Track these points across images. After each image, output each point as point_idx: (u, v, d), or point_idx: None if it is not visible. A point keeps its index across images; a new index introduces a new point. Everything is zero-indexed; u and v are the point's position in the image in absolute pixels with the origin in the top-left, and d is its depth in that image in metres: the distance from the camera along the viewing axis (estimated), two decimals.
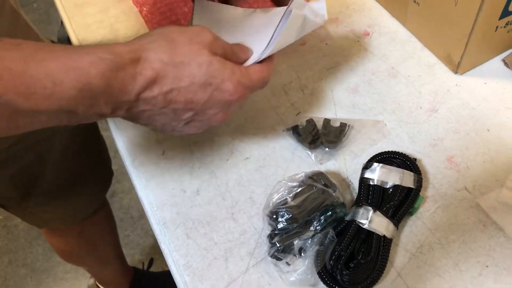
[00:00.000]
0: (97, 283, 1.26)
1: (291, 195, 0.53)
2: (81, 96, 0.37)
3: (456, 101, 0.64)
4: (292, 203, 0.52)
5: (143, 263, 1.37)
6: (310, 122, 0.62)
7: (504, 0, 0.56)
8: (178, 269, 0.54)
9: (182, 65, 0.43)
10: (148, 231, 1.49)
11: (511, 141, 0.60)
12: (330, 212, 0.52)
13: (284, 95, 0.67)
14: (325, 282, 0.50)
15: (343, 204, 0.53)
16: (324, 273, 0.50)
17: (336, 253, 0.50)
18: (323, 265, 0.50)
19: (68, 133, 0.75)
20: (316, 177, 0.54)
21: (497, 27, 0.60)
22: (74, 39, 0.76)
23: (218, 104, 0.46)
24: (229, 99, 0.46)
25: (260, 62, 0.50)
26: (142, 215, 1.53)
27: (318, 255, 0.51)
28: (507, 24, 0.61)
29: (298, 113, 0.65)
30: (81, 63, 0.38)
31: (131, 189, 1.62)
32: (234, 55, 0.49)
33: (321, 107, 0.65)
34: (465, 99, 0.64)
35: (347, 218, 0.53)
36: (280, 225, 0.52)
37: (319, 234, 0.51)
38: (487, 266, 0.52)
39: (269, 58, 0.51)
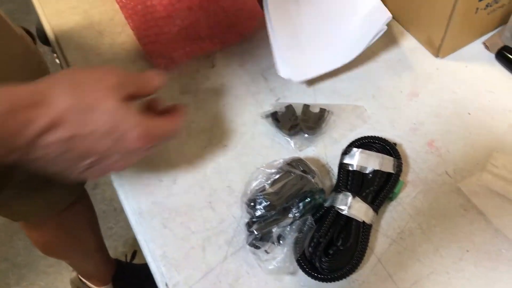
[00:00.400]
0: (79, 276, 1.24)
1: (269, 182, 0.51)
2: None
3: (437, 85, 0.63)
4: (270, 190, 0.51)
5: (126, 255, 1.35)
6: (289, 108, 0.61)
7: None
8: (154, 259, 0.53)
9: (85, 111, 0.41)
10: None
11: (492, 125, 0.59)
12: (309, 199, 0.51)
13: (263, 81, 0.65)
14: (304, 270, 0.49)
15: (322, 190, 0.52)
16: (303, 260, 0.49)
17: (314, 240, 0.49)
18: (302, 252, 0.49)
19: None
20: (295, 164, 0.53)
21: (477, 8, 0.59)
22: (46, 27, 0.73)
23: (120, 152, 0.44)
24: (132, 148, 0.44)
25: (170, 112, 0.50)
26: None
27: (297, 242, 0.50)
28: (487, 6, 0.60)
29: (277, 99, 0.63)
30: None
31: None
32: (145, 87, 0.48)
33: (300, 92, 0.64)
34: (446, 82, 0.63)
35: (326, 204, 0.52)
36: (258, 213, 0.50)
37: (298, 221, 0.50)
38: (467, 251, 0.51)
39: (178, 111, 0.51)
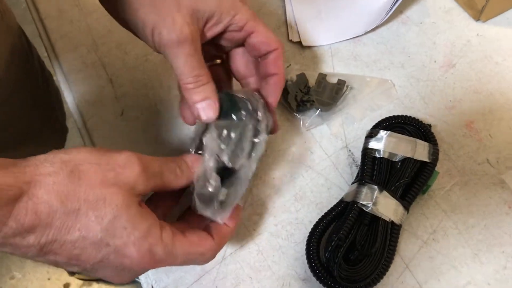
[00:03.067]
0: None
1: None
2: None
3: (477, 54, 0.53)
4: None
5: None
6: (301, 77, 0.51)
7: None
8: None
9: (75, 214, 0.30)
10: None
11: None
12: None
13: None
14: (319, 278, 0.41)
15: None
16: (317, 267, 0.41)
17: (333, 243, 0.40)
18: (317, 257, 0.41)
19: (13, 82, 0.62)
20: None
21: None
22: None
23: (113, 268, 0.33)
24: (129, 267, 0.33)
25: (206, 231, 0.37)
26: None
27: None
28: None
29: (288, 66, 0.53)
30: None
31: None
32: (177, 175, 0.36)
33: (315, 59, 0.54)
34: (489, 52, 0.53)
35: (347, 199, 0.43)
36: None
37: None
38: None
39: (219, 230, 0.37)
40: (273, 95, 0.41)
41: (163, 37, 0.35)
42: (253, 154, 0.39)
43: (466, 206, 0.45)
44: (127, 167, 0.33)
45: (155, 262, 0.33)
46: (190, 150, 0.39)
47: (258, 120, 0.39)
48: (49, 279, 1.28)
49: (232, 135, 0.38)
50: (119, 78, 0.54)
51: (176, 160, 0.37)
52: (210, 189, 0.36)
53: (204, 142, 0.38)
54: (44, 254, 0.31)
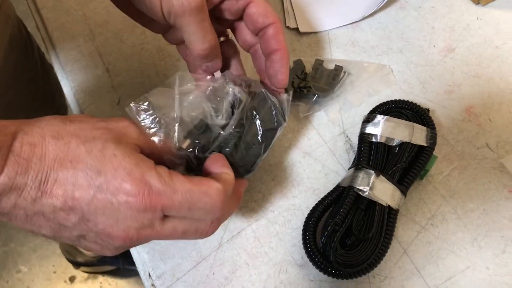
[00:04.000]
0: None
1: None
2: None
3: (477, 38, 0.52)
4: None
5: None
6: (298, 63, 0.51)
7: None
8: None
9: (67, 147, 0.30)
10: None
11: None
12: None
13: None
14: (315, 263, 0.40)
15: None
16: (314, 252, 0.40)
17: (329, 228, 0.40)
18: (313, 241, 0.41)
19: (11, 73, 0.62)
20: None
21: None
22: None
23: (109, 210, 0.30)
24: (125, 204, 0.30)
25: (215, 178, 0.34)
26: None
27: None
28: None
29: None
30: None
31: None
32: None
33: (312, 45, 0.53)
34: (488, 35, 0.52)
35: (343, 184, 0.43)
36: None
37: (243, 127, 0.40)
38: None
39: (219, 177, 0.35)
40: (281, 72, 0.41)
41: (173, 6, 0.35)
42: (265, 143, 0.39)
43: (465, 191, 0.45)
44: (119, 121, 0.33)
45: (151, 194, 0.30)
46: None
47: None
48: (54, 272, 1.29)
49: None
50: (115, 67, 0.54)
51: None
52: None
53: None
54: (42, 196, 0.29)
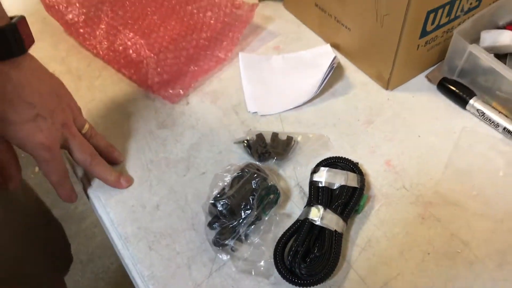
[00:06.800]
0: None
1: (226, 184, 0.58)
2: None
3: (389, 113, 0.71)
4: (229, 192, 0.56)
5: None
6: (260, 136, 0.67)
7: (421, 22, 0.65)
8: (143, 280, 0.56)
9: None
10: (98, 274, 1.45)
11: (439, 145, 0.67)
12: (264, 194, 0.57)
13: (234, 115, 0.72)
14: (284, 277, 0.53)
15: (275, 186, 0.58)
16: (283, 268, 0.53)
17: (293, 249, 0.54)
18: (282, 261, 0.54)
19: (17, 222, 0.74)
20: (248, 167, 0.59)
21: (418, 45, 0.69)
22: None
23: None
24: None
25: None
26: (91, 258, 1.49)
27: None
28: (426, 43, 0.69)
29: (249, 130, 0.69)
30: None
31: (79, 233, 1.58)
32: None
33: (269, 123, 0.71)
34: (397, 110, 0.72)
35: (301, 217, 0.57)
36: (219, 208, 0.55)
37: (265, 220, 0.56)
38: (428, 253, 0.57)
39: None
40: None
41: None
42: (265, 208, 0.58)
43: (391, 220, 0.60)
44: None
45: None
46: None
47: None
48: None
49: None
50: None
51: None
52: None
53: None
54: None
